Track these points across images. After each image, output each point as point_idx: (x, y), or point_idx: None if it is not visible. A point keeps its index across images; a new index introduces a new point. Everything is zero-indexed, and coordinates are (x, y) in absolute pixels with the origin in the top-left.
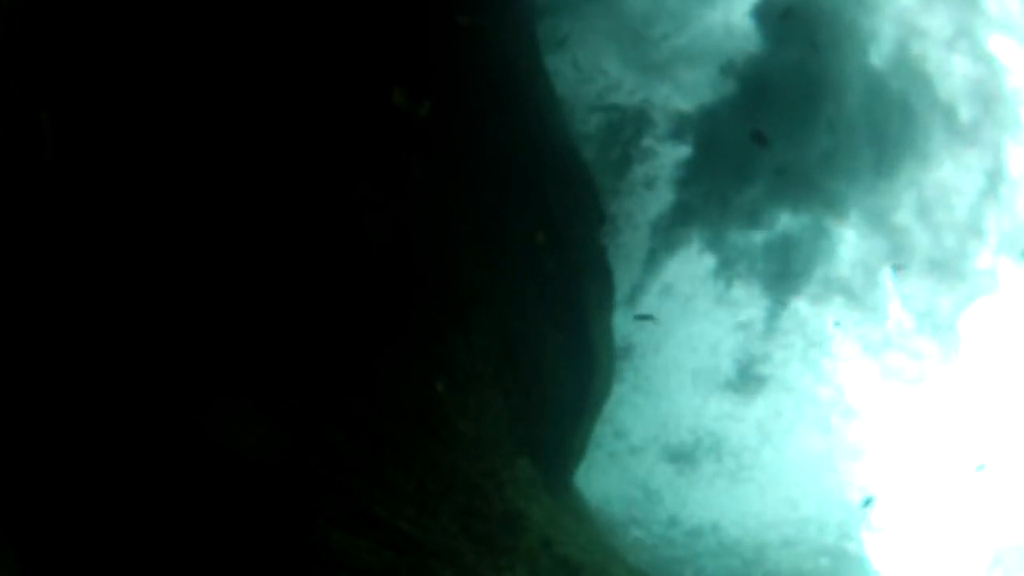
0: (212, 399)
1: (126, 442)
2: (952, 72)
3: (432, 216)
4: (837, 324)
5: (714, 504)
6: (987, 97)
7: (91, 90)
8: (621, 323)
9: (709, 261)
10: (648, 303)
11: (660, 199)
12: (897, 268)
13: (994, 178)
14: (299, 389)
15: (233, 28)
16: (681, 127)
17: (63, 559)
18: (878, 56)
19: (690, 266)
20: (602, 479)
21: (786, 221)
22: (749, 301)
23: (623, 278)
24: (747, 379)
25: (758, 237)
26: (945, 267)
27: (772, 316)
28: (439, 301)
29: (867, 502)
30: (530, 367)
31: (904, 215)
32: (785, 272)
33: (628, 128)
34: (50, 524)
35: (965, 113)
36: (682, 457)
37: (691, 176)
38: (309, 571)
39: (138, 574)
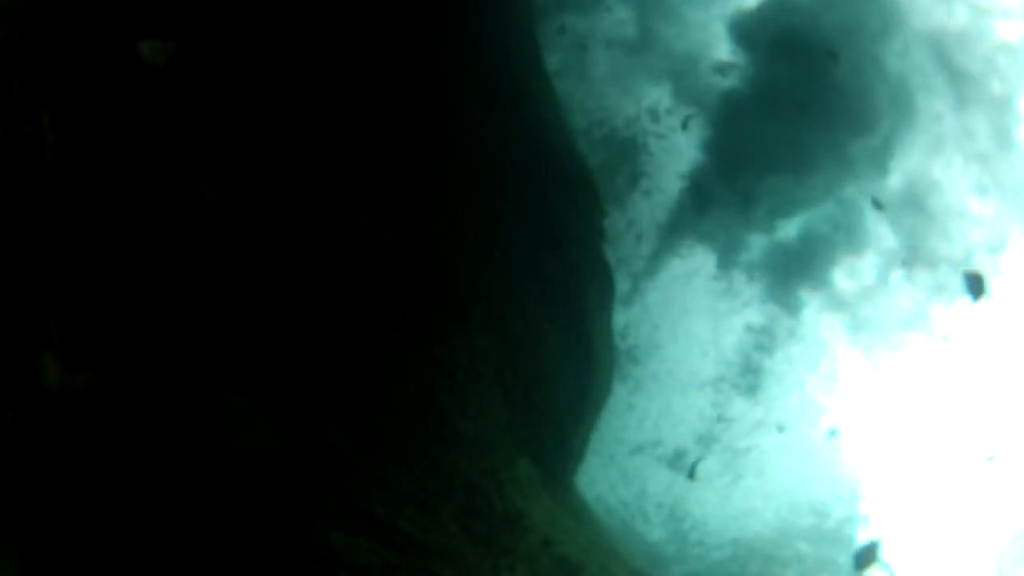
0: (212, 398)
1: (126, 442)
2: None
3: (432, 216)
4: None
5: (713, 502)
6: None
7: (91, 90)
8: (622, 323)
9: (710, 261)
10: (648, 303)
11: (661, 200)
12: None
13: None
14: (299, 389)
15: (232, 29)
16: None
17: (63, 559)
18: None
19: (691, 267)
20: (602, 479)
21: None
22: (750, 301)
23: (623, 278)
24: (746, 379)
25: (762, 239)
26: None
27: (773, 316)
28: (439, 301)
29: None
30: (530, 367)
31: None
32: (787, 273)
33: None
34: (50, 524)
35: None
36: (681, 456)
37: (694, 178)
38: (309, 571)
39: (138, 574)
